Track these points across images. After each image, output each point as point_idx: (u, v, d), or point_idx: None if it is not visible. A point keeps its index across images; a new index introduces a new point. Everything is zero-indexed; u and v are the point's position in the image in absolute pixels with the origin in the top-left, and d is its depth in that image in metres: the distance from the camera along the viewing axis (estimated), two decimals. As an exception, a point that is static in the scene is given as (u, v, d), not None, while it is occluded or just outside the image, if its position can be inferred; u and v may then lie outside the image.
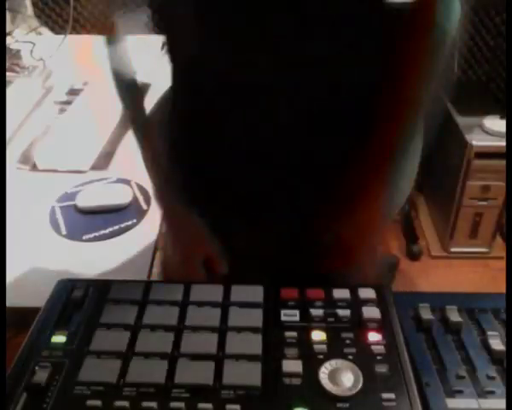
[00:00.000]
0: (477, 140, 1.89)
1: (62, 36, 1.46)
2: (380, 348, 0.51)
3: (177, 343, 0.52)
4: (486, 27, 2.28)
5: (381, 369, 0.49)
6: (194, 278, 0.69)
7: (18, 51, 1.47)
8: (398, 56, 0.61)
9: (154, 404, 0.46)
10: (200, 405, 0.46)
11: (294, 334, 0.53)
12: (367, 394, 0.47)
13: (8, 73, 1.37)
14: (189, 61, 0.67)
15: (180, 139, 0.74)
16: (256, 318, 0.54)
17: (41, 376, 0.49)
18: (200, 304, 0.56)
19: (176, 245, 0.77)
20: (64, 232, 0.86)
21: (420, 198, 2.42)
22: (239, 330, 0.53)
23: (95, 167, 1.02)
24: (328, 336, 0.53)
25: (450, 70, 2.31)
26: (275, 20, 0.59)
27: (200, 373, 0.49)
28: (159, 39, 0.75)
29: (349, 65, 0.61)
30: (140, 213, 0.90)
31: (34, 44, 1.44)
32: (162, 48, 0.71)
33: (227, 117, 0.67)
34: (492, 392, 0.49)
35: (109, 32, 0.71)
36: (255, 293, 0.57)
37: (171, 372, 0.49)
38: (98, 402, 0.46)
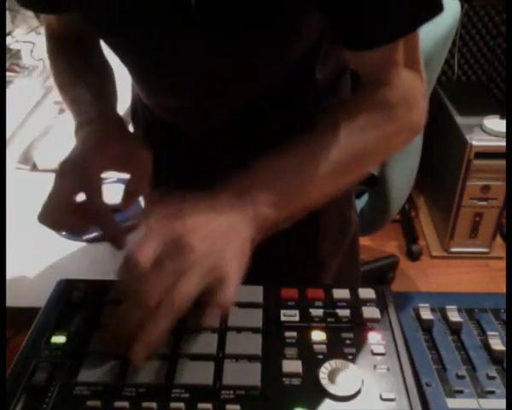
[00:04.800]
0: (477, 140, 1.89)
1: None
2: (380, 348, 0.51)
3: (176, 343, 0.52)
4: (486, 27, 2.28)
5: (381, 369, 0.49)
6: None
7: (18, 51, 1.47)
8: None
9: (154, 404, 0.46)
10: (200, 405, 0.46)
11: (294, 334, 0.53)
12: (367, 394, 0.47)
13: (8, 73, 1.37)
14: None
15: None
16: (256, 318, 0.54)
17: (41, 376, 0.49)
18: (200, 304, 0.56)
19: None
20: (64, 232, 0.86)
21: (420, 198, 2.43)
22: (239, 330, 0.53)
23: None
24: (328, 336, 0.53)
25: (451, 70, 2.31)
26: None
27: (200, 373, 0.49)
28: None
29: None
30: (140, 214, 0.89)
31: (34, 44, 1.44)
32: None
33: None
34: (492, 392, 0.49)
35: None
36: (255, 293, 0.57)
37: (171, 373, 0.49)
38: (98, 403, 0.46)
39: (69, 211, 0.57)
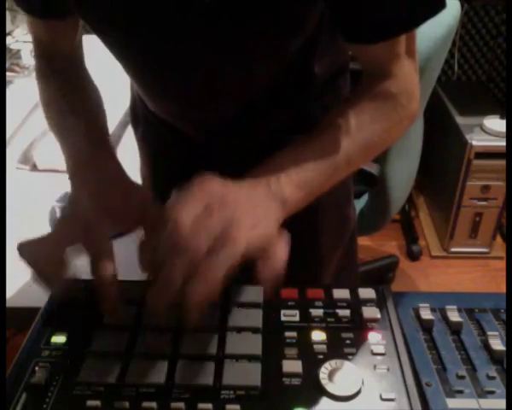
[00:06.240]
0: (477, 140, 1.89)
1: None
2: (380, 348, 0.51)
3: (177, 343, 0.52)
4: (486, 27, 2.28)
5: (381, 369, 0.49)
6: None
7: (18, 51, 1.47)
8: None
9: (154, 404, 0.46)
10: (200, 405, 0.46)
11: (294, 334, 0.53)
12: (367, 394, 0.47)
13: (8, 73, 1.37)
14: None
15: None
16: (256, 318, 0.54)
17: (41, 376, 0.49)
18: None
19: None
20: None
21: (420, 198, 2.43)
22: (239, 330, 0.53)
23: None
24: (328, 336, 0.53)
25: (451, 70, 2.31)
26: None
27: (200, 373, 0.49)
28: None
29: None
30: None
31: (34, 44, 1.44)
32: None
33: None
34: (492, 392, 0.49)
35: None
36: (255, 293, 0.57)
37: (171, 373, 0.49)
38: (98, 402, 0.46)
39: (59, 256, 0.55)
